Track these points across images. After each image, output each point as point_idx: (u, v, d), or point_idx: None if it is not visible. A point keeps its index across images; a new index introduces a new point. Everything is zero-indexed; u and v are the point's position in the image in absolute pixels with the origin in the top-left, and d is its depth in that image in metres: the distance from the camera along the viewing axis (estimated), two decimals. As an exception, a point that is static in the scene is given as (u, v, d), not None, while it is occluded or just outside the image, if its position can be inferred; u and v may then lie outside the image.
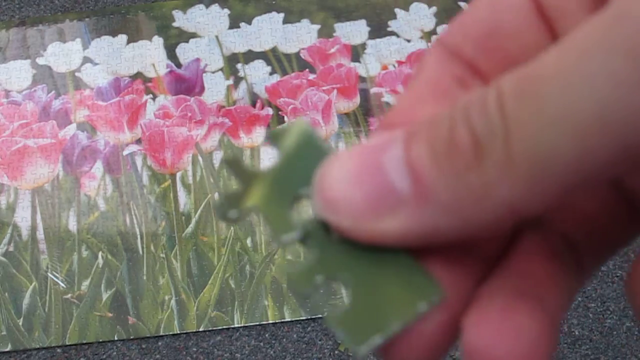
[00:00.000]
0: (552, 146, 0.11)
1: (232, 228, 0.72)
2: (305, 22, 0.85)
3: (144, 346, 0.68)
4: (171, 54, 0.83)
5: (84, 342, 0.68)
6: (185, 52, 0.83)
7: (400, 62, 0.81)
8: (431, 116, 0.14)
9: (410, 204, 0.14)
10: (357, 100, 0.79)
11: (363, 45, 0.83)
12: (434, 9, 0.85)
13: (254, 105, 0.79)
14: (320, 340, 0.68)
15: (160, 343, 0.69)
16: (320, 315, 0.69)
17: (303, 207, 0.17)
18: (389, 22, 0.84)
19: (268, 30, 0.84)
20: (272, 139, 0.17)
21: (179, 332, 0.69)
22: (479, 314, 0.15)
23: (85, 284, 0.70)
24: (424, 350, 0.15)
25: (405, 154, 0.14)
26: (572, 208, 0.17)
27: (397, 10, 0.85)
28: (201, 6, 0.86)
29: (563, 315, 0.15)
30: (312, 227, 0.16)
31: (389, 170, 0.14)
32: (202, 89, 0.80)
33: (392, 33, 0.84)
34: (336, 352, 0.68)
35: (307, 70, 0.81)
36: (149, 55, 0.83)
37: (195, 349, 0.68)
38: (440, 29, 0.84)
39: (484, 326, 0.14)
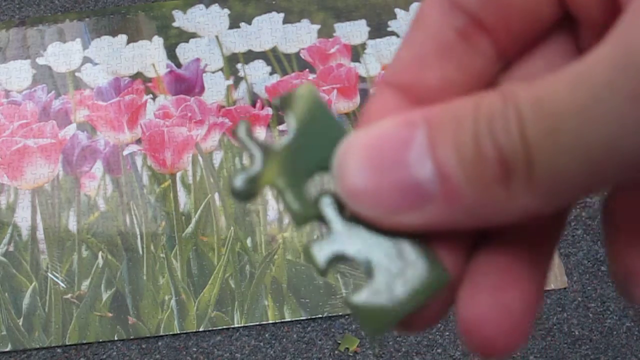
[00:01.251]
0: (568, 171, 0.13)
1: (232, 228, 0.72)
2: (305, 22, 0.85)
3: (144, 346, 0.68)
4: (171, 54, 0.83)
5: (84, 342, 0.68)
6: (185, 52, 0.83)
7: (400, 62, 0.81)
8: (451, 110, 0.15)
9: (437, 203, 0.15)
10: (357, 100, 0.79)
11: (363, 45, 0.83)
12: (434, 9, 0.85)
13: (254, 105, 0.79)
14: (320, 340, 0.68)
15: (160, 343, 0.69)
16: (320, 316, 0.69)
17: (319, 179, 0.17)
18: (389, 22, 0.84)
19: (268, 30, 0.84)
20: (281, 106, 0.17)
21: (179, 332, 0.69)
22: (472, 291, 0.16)
23: (85, 284, 0.70)
24: (426, 320, 0.17)
25: (431, 153, 0.15)
26: None
27: (397, 10, 0.85)
28: (201, 6, 0.86)
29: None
30: (327, 201, 0.17)
31: (414, 167, 0.15)
32: (202, 89, 0.80)
33: (392, 33, 0.84)
34: (336, 352, 0.68)
35: (307, 70, 0.81)
36: (149, 55, 0.83)
37: (195, 349, 0.68)
38: (440, 29, 0.83)
39: (477, 304, 0.16)
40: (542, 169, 0.14)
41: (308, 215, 0.17)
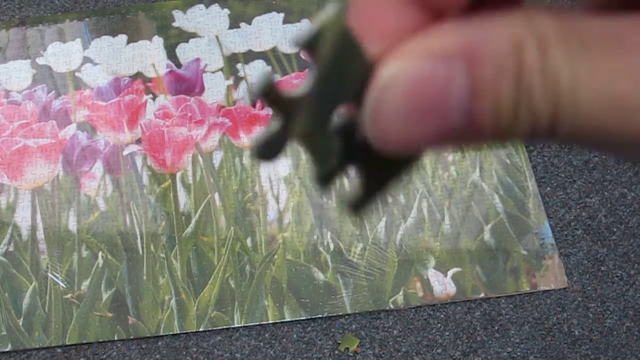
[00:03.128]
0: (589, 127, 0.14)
1: (232, 228, 0.72)
2: (305, 22, 0.85)
3: (144, 346, 0.68)
4: (171, 54, 0.83)
5: (84, 342, 0.68)
6: (185, 52, 0.83)
7: (400, 62, 0.81)
8: (491, 50, 0.14)
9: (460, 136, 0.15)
10: (357, 100, 0.79)
11: (363, 45, 0.83)
12: (434, 9, 0.85)
13: (254, 105, 0.79)
14: (320, 340, 0.68)
15: (160, 343, 0.68)
16: (320, 316, 0.69)
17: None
18: (389, 22, 0.84)
19: (268, 30, 0.84)
20: (308, 45, 0.15)
21: (179, 332, 0.68)
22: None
23: (85, 284, 0.70)
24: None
25: (470, 103, 0.14)
26: None
27: (397, 10, 0.85)
28: (201, 6, 0.86)
29: None
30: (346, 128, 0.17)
31: (451, 114, 0.15)
32: (202, 89, 0.80)
33: (392, 33, 0.83)
34: (336, 352, 0.68)
35: (307, 70, 0.81)
36: (149, 55, 0.83)
37: (195, 349, 0.68)
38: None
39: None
40: (564, 134, 0.14)
41: (330, 164, 0.17)
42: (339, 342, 0.68)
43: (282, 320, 0.69)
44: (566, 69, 0.14)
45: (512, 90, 0.14)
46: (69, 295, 0.70)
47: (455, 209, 0.73)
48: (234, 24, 0.85)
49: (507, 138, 0.15)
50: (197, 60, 0.82)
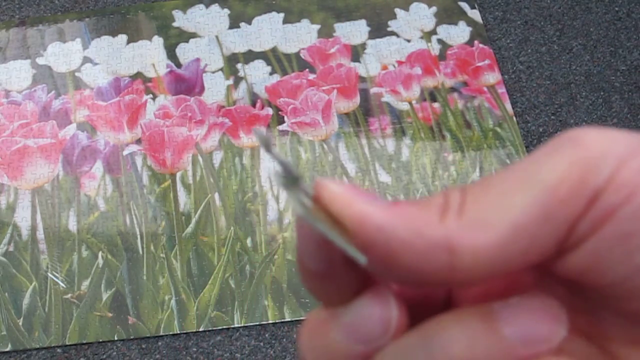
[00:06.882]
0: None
1: (232, 228, 0.72)
2: (305, 22, 0.85)
3: (144, 346, 0.68)
4: (171, 54, 0.83)
5: (84, 342, 0.68)
6: (185, 52, 0.83)
7: (400, 62, 0.81)
8: None
9: None
10: (357, 100, 0.79)
11: (363, 45, 0.83)
12: (434, 9, 0.85)
13: (254, 105, 0.79)
14: (320, 340, 0.68)
15: (160, 343, 0.68)
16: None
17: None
18: (389, 22, 0.84)
19: (268, 30, 0.84)
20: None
21: (179, 332, 0.68)
22: None
23: (85, 284, 0.70)
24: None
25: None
26: None
27: (397, 10, 0.85)
28: (201, 6, 0.86)
29: None
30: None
31: None
32: (202, 89, 0.80)
33: (392, 33, 0.84)
34: (336, 352, 0.68)
35: (307, 70, 0.81)
36: (149, 55, 0.83)
37: (195, 349, 0.68)
38: (441, 29, 0.84)
39: None
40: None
41: None
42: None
43: (283, 320, 0.69)
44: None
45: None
46: (69, 295, 0.70)
47: (455, 209, 0.73)
48: (234, 24, 0.85)
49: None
50: (197, 60, 0.82)
